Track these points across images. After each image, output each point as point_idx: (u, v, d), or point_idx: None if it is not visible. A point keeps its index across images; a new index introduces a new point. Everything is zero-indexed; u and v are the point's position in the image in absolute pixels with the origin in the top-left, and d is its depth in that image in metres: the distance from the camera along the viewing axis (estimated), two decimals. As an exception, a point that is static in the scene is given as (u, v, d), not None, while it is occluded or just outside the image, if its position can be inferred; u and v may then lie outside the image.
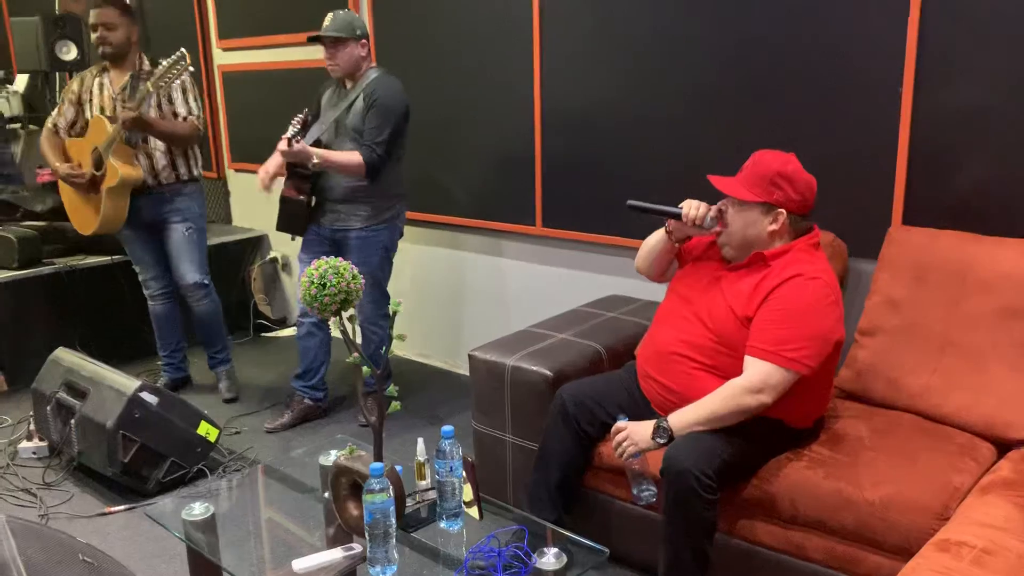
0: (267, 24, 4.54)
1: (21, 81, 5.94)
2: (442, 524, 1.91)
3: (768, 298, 2.10)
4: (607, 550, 1.83)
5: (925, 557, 1.62)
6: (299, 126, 3.19)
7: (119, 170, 3.45)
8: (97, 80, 3.60)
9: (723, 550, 2.15)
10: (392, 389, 1.79)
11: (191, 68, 3.30)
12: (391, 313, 1.76)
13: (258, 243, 4.95)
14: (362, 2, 4.03)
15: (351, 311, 1.79)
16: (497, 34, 3.52)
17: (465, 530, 1.91)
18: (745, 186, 2.16)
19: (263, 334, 4.85)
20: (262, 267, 4.89)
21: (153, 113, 3.47)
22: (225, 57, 4.84)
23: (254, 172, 4.63)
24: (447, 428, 1.86)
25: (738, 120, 2.89)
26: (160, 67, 3.30)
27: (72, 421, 3.00)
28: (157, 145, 3.56)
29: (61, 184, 3.73)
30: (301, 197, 3.32)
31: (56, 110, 3.67)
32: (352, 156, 3.17)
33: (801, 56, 2.72)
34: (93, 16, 3.50)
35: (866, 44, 2.58)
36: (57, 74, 5.53)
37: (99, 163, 3.52)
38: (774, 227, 2.15)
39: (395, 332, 1.78)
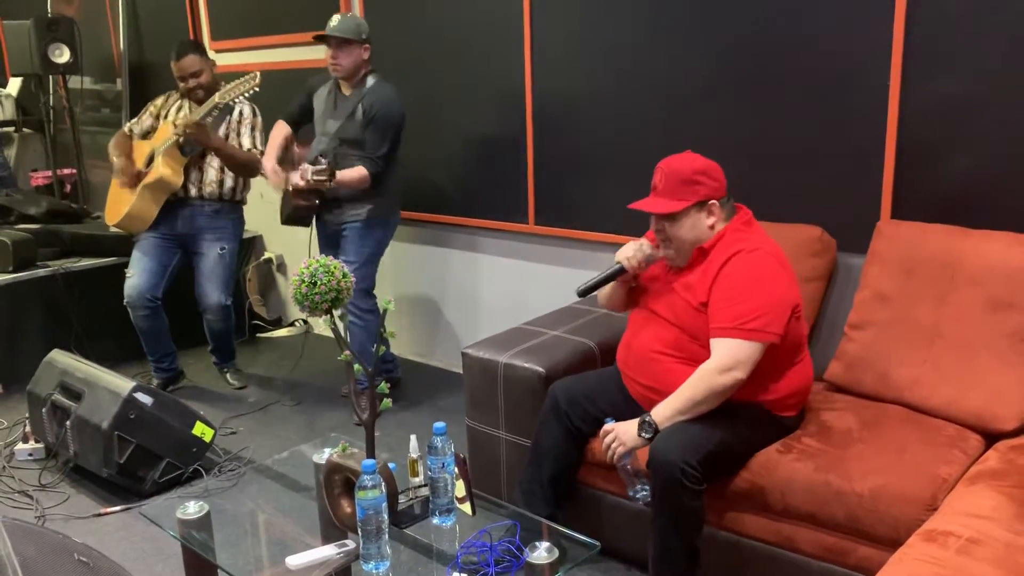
0: (260, 25, 4.55)
1: (14, 84, 5.96)
2: (434, 520, 1.92)
3: (715, 280, 2.15)
4: (598, 544, 1.84)
5: (911, 547, 1.63)
6: (324, 178, 3.18)
7: (160, 170, 3.56)
8: (178, 103, 3.75)
9: (713, 543, 2.17)
10: (383, 386, 1.80)
11: (258, 88, 3.40)
12: (383, 310, 1.77)
13: (252, 244, 4.96)
14: (354, 2, 4.04)
15: (342, 309, 1.80)
16: (488, 31, 3.53)
17: (457, 526, 1.93)
18: (670, 199, 2.19)
19: (259, 335, 4.86)
20: (257, 268, 4.90)
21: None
22: (218, 59, 4.84)
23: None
24: (439, 424, 1.88)
25: (727, 115, 2.91)
26: (232, 83, 3.43)
27: (67, 423, 3.00)
28: (212, 162, 3.68)
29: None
30: (314, 203, 3.43)
31: (136, 117, 3.83)
32: (359, 172, 3.30)
33: (789, 51, 2.73)
34: (178, 69, 3.63)
35: (853, 39, 2.60)
36: (51, 77, 5.56)
37: (150, 161, 3.63)
38: (712, 219, 2.21)
39: (392, 330, 1.79)
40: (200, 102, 3.65)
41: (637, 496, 2.13)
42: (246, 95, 3.44)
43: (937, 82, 2.48)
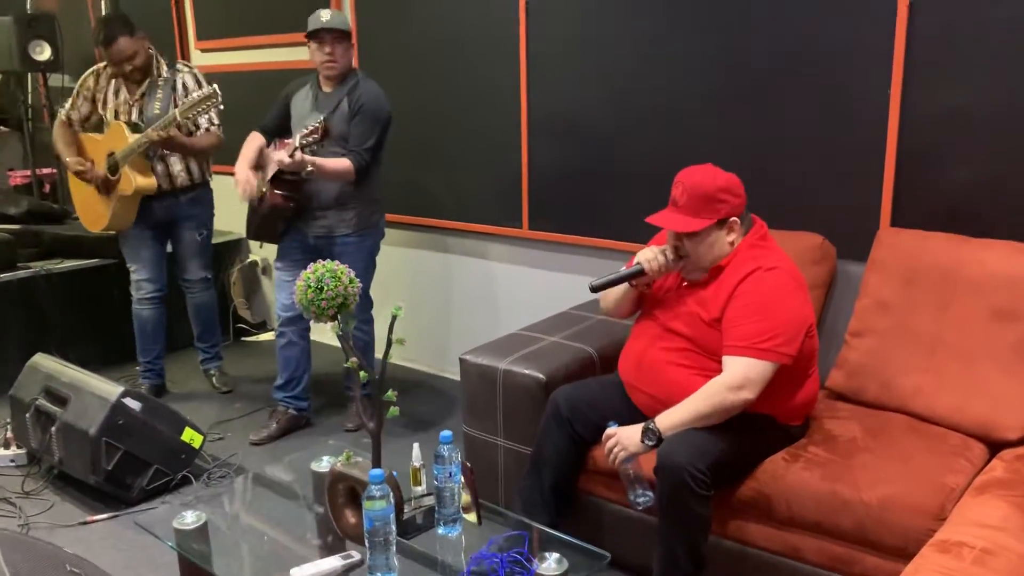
0: (246, 25, 4.50)
1: (-8, 82, 5.83)
2: (440, 530, 1.89)
3: (732, 297, 2.13)
4: (608, 555, 1.82)
5: (926, 558, 1.62)
6: (318, 136, 3.05)
7: (134, 181, 3.46)
8: (113, 82, 3.58)
9: (717, 552, 2.15)
10: (390, 394, 1.76)
11: (221, 106, 3.27)
12: (392, 316, 1.74)
13: (237, 246, 4.89)
14: (345, 4, 4.00)
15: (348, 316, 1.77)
16: (483, 36, 3.50)
17: (463, 536, 1.90)
18: (692, 215, 2.16)
19: (243, 338, 4.79)
20: (242, 270, 4.83)
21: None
22: (203, 58, 4.79)
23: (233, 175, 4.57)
24: (446, 433, 1.85)
25: (725, 122, 2.90)
26: (190, 98, 3.28)
27: (52, 428, 2.93)
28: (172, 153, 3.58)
29: (72, 180, 3.71)
30: (290, 204, 3.23)
31: (70, 103, 3.64)
32: (343, 163, 3.12)
33: (789, 59, 2.73)
34: (107, 55, 3.46)
35: (854, 47, 2.60)
36: (30, 75, 5.45)
37: (114, 168, 3.50)
38: (732, 235, 2.19)
39: (394, 336, 1.76)
40: (138, 83, 3.53)
41: (638, 501, 2.12)
42: (208, 112, 3.32)
43: (937, 91, 2.48)
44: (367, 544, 1.68)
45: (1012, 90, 2.37)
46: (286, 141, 3.19)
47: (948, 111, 2.48)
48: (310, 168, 3.03)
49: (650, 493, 2.11)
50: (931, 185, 2.54)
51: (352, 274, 1.75)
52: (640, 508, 2.12)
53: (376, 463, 1.77)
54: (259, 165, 3.31)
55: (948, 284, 2.30)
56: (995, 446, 2.15)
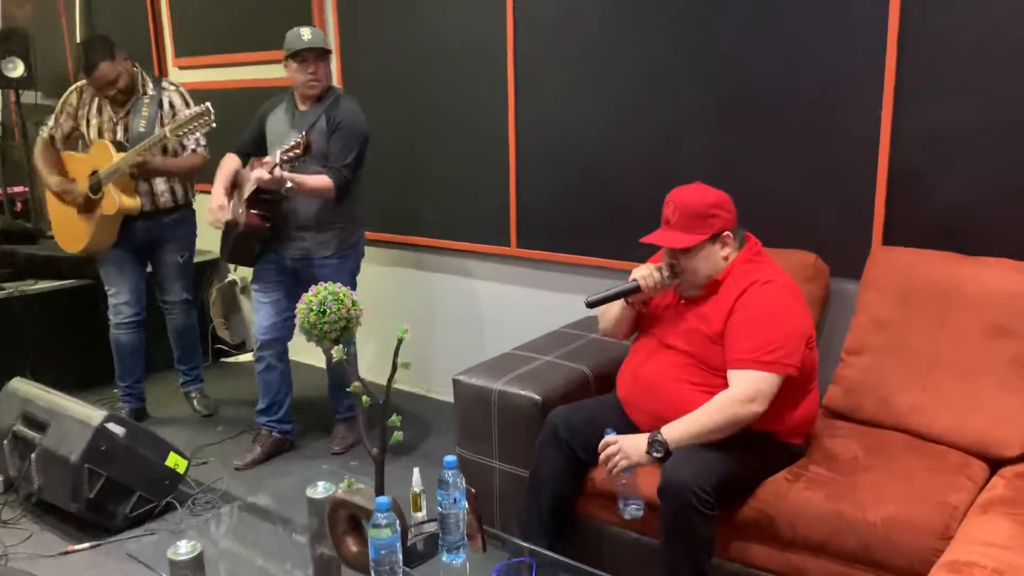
0: (225, 42, 4.45)
1: (-37, 99, 5.72)
2: (444, 558, 1.85)
3: (732, 312, 2.14)
4: (616, 580, 1.79)
5: (938, 579, 1.61)
6: (299, 151, 2.96)
7: (118, 201, 3.38)
8: (96, 100, 3.49)
9: (719, 573, 2.12)
10: (395, 419, 1.73)
11: (214, 124, 3.15)
12: (398, 340, 1.70)
13: (216, 265, 4.82)
14: (328, 21, 3.97)
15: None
16: (471, 51, 3.48)
17: (467, 564, 1.85)
18: (685, 232, 2.17)
19: (222, 359, 4.71)
20: (220, 290, 4.76)
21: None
22: (182, 76, 4.72)
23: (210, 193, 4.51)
24: (450, 458, 1.80)
25: (716, 142, 2.90)
26: (182, 116, 3.20)
27: (32, 455, 2.85)
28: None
29: (50, 198, 3.62)
30: (267, 225, 3.16)
31: (52, 120, 3.56)
32: (323, 180, 3.07)
33: (780, 79, 2.74)
34: (93, 82, 3.39)
35: (845, 67, 2.61)
36: (1, 91, 5.36)
37: (96, 187, 3.41)
38: (726, 250, 2.21)
39: (400, 360, 1.72)
40: (122, 104, 3.47)
41: (627, 510, 2.08)
42: (200, 131, 3.25)
43: (929, 109, 2.50)
44: (373, 574, 1.63)
45: (1003, 107, 2.39)
46: (264, 160, 3.14)
47: (940, 129, 2.49)
48: (289, 185, 2.96)
49: (640, 502, 2.07)
50: (923, 203, 2.55)
51: (355, 296, 1.72)
52: (628, 519, 2.09)
53: (380, 490, 1.73)
54: (235, 184, 3.26)
55: (944, 301, 2.31)
56: (994, 463, 2.15)
